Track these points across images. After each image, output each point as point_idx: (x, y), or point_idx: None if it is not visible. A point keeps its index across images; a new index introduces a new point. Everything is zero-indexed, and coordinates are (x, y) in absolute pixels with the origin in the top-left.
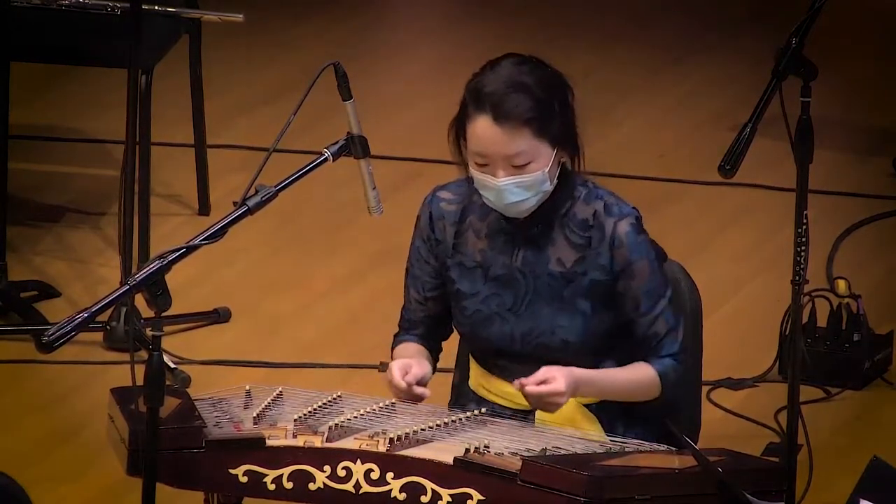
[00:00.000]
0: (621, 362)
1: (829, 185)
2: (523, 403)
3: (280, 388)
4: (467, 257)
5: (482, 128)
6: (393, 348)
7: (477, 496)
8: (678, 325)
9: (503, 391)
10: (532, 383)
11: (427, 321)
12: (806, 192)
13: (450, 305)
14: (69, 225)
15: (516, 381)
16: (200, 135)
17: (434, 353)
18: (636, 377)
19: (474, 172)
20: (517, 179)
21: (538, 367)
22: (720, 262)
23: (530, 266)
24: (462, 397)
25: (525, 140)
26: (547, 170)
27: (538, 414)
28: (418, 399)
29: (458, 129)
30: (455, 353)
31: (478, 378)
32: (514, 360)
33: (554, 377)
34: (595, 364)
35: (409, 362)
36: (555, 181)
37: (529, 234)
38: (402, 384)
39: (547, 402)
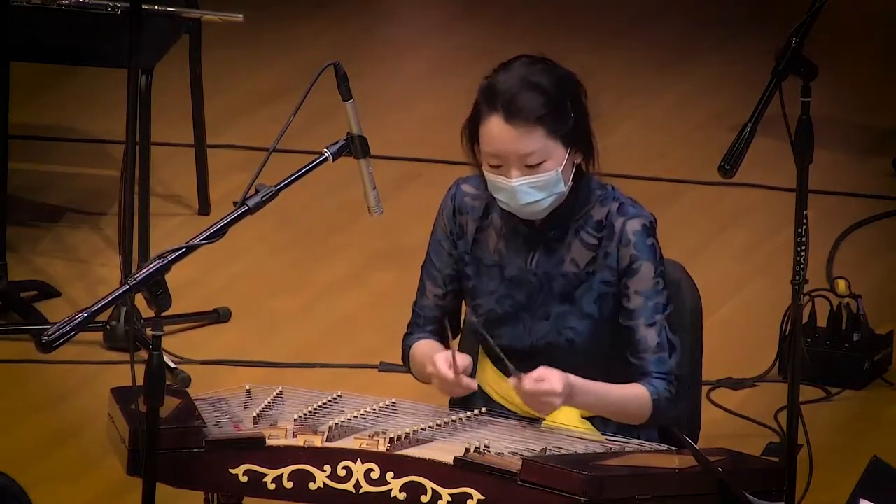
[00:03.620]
0: (625, 372)
1: (829, 185)
2: (529, 410)
3: (280, 388)
4: (486, 254)
5: (495, 127)
6: (408, 347)
7: (477, 496)
8: (672, 349)
9: (513, 396)
10: (531, 380)
11: (442, 317)
12: (806, 192)
13: (462, 301)
14: (69, 225)
15: (512, 378)
16: (200, 135)
17: None
18: (629, 395)
19: (488, 175)
20: (531, 180)
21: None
22: (720, 262)
23: (544, 268)
24: (465, 396)
25: (538, 139)
26: (560, 169)
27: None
28: (465, 391)
29: (472, 131)
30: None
31: (487, 378)
32: (523, 359)
33: (550, 377)
34: (600, 369)
35: (451, 353)
36: (569, 183)
37: (546, 238)
38: (450, 375)
39: (541, 402)
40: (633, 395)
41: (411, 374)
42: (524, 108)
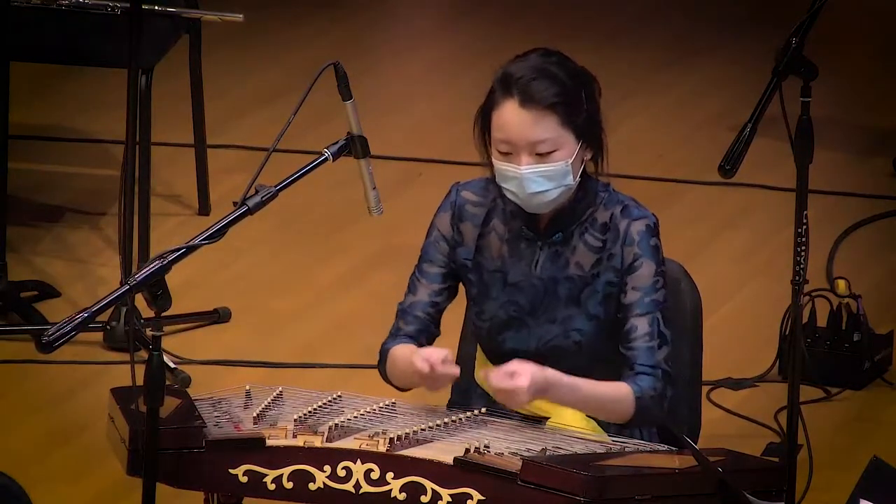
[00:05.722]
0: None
1: (829, 185)
2: (531, 410)
3: (280, 388)
4: (488, 260)
5: (509, 112)
6: (387, 351)
7: (477, 496)
8: (664, 342)
9: None
10: (500, 374)
11: (429, 317)
12: (806, 192)
13: (449, 303)
14: (69, 225)
15: (482, 371)
16: (200, 135)
17: None
18: (609, 393)
19: (497, 163)
20: (540, 168)
21: None
22: (720, 262)
23: (549, 273)
24: (465, 395)
25: (550, 126)
26: (570, 161)
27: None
28: (448, 380)
29: (484, 118)
30: (455, 354)
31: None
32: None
33: (520, 373)
34: (605, 370)
35: (427, 349)
36: (577, 178)
37: (550, 242)
38: (426, 368)
39: (508, 398)
40: (614, 392)
41: (387, 380)
42: (539, 93)
